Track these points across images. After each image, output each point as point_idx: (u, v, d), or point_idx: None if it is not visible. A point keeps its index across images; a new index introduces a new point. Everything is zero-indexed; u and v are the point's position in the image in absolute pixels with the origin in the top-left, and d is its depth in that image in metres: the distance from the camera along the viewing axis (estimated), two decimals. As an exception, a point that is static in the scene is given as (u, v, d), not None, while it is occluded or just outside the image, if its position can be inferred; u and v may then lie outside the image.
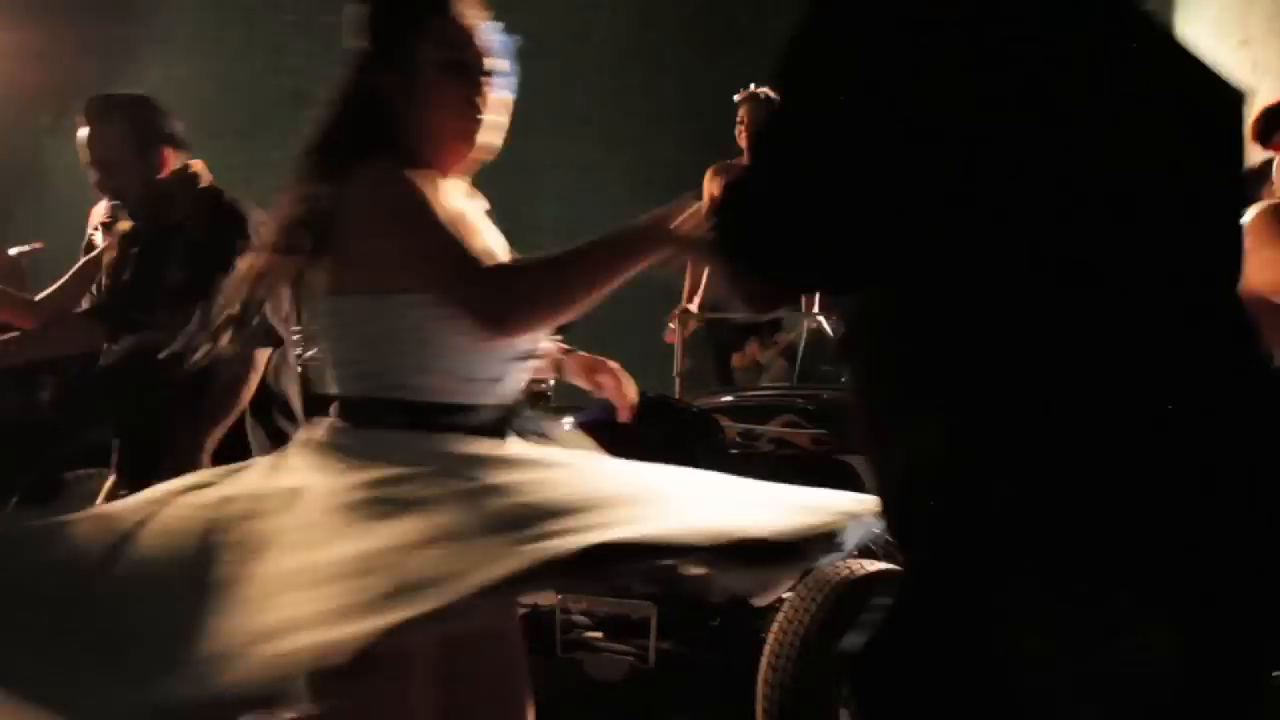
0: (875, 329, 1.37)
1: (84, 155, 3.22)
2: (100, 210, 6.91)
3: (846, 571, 3.34)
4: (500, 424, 1.98)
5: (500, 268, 1.94)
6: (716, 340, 5.93)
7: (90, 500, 5.00)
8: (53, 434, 5.03)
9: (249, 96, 8.72)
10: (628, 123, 8.48)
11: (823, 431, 4.43)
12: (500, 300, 1.88)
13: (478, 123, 2.02)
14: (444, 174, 2.05)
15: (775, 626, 3.26)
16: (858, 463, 4.53)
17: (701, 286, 5.91)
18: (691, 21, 8.32)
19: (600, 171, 8.30)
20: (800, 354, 5.53)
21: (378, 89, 1.99)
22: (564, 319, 2.00)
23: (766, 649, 3.24)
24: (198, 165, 3.26)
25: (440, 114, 1.99)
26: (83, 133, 3.19)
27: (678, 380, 5.24)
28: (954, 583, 1.31)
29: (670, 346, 5.44)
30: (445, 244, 1.88)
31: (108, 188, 3.23)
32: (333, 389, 2.02)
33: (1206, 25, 6.27)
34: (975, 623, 1.29)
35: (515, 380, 2.04)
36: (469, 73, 2.00)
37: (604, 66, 8.53)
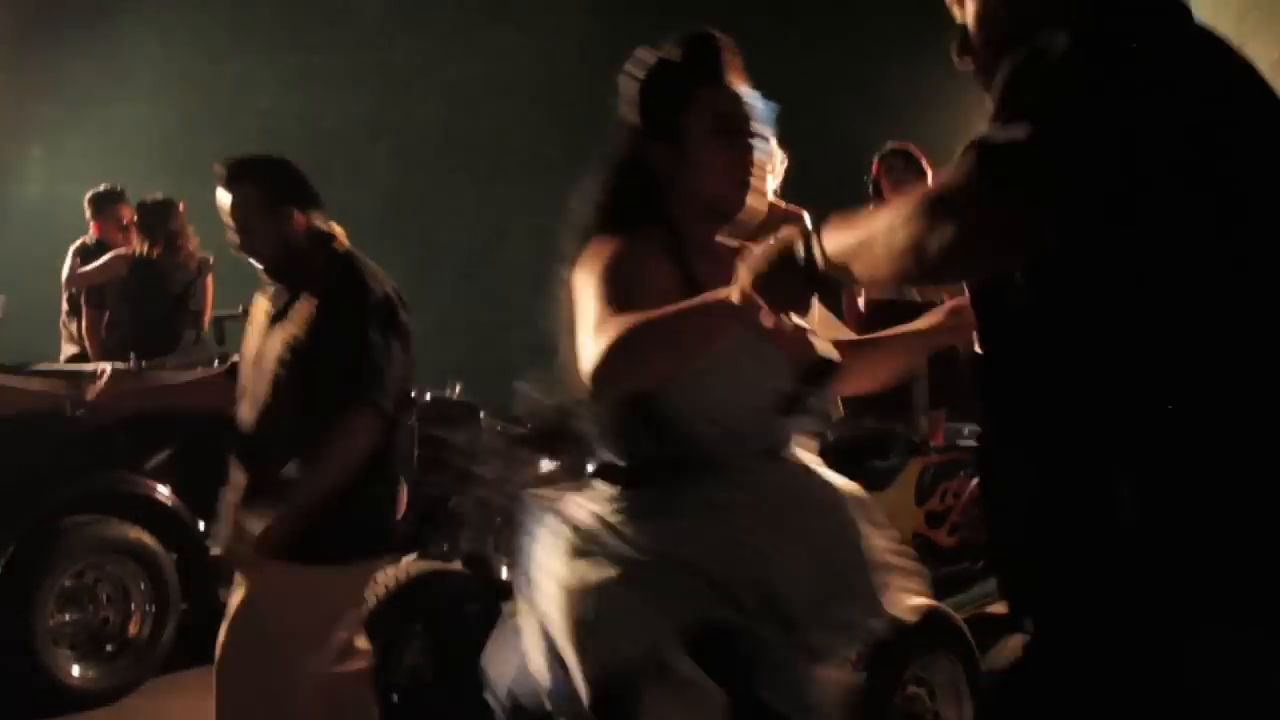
0: (1052, 377, 1.39)
1: (225, 219, 3.20)
2: (77, 247, 6.85)
3: (889, 608, 3.37)
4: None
5: (607, 322, 1.84)
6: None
7: (90, 547, 4.90)
8: (49, 479, 4.92)
9: (216, 136, 8.64)
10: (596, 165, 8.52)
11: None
12: (595, 352, 1.80)
13: (746, 185, 2.05)
14: (710, 236, 2.08)
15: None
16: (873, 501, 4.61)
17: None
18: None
19: (570, 214, 8.32)
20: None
21: (648, 161, 2.04)
22: (656, 377, 1.90)
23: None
24: (335, 228, 3.23)
25: (710, 180, 2.03)
26: (221, 196, 3.16)
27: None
28: (1136, 634, 1.33)
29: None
30: (595, 305, 1.87)
31: (244, 249, 3.18)
32: (603, 456, 2.05)
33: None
34: (1164, 671, 1.32)
35: (788, 429, 2.05)
36: (736, 138, 2.04)
37: (572, 109, 8.56)
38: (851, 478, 4.29)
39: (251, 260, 3.20)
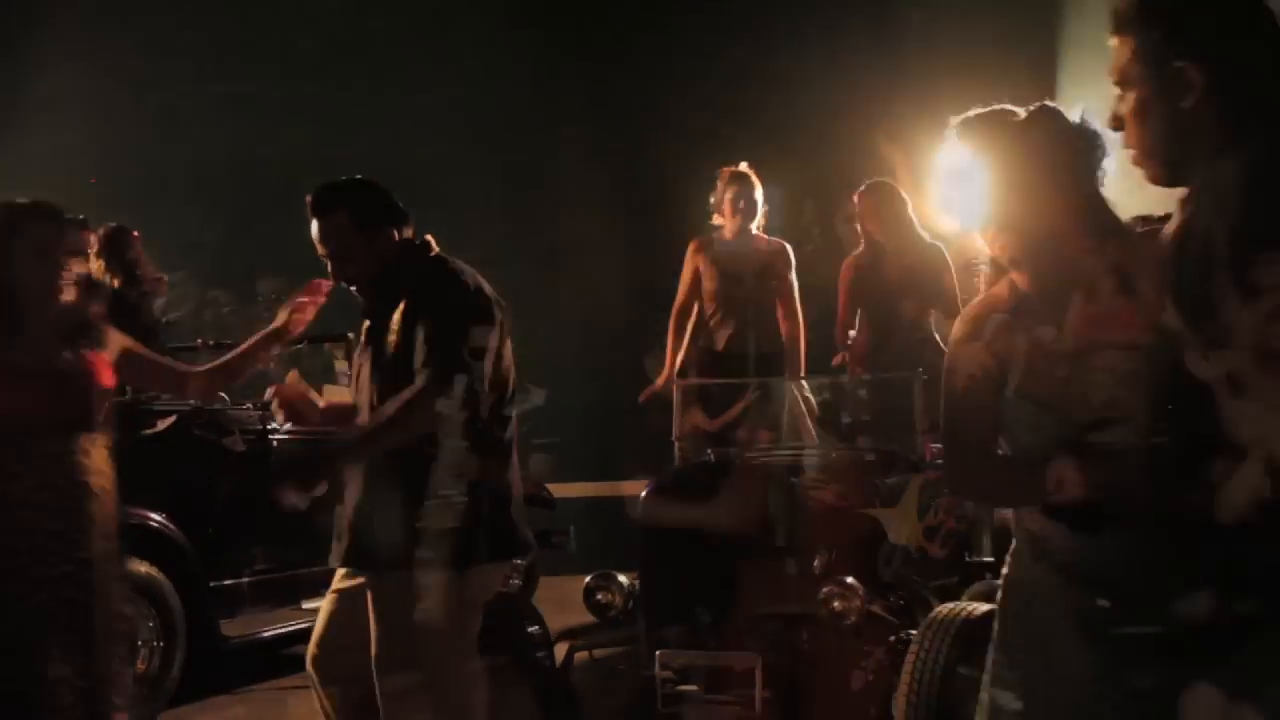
0: None
1: (319, 248, 3.19)
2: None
3: (965, 613, 3.61)
4: None
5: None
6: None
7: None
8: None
9: (140, 165, 8.48)
10: (531, 201, 8.67)
11: (841, 487, 4.71)
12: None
13: None
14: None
15: (909, 664, 3.50)
16: (884, 516, 4.86)
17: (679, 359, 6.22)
18: (595, 100, 8.60)
19: (505, 249, 8.44)
20: (785, 419, 5.80)
21: None
22: None
23: (903, 682, 3.48)
24: (428, 238, 3.26)
25: None
26: (313, 227, 3.16)
27: (677, 445, 5.42)
28: None
29: (662, 418, 5.58)
30: None
31: (339, 276, 3.18)
32: None
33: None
34: None
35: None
36: None
37: (507, 146, 8.70)
38: (860, 494, 4.58)
39: (349, 286, 3.22)
